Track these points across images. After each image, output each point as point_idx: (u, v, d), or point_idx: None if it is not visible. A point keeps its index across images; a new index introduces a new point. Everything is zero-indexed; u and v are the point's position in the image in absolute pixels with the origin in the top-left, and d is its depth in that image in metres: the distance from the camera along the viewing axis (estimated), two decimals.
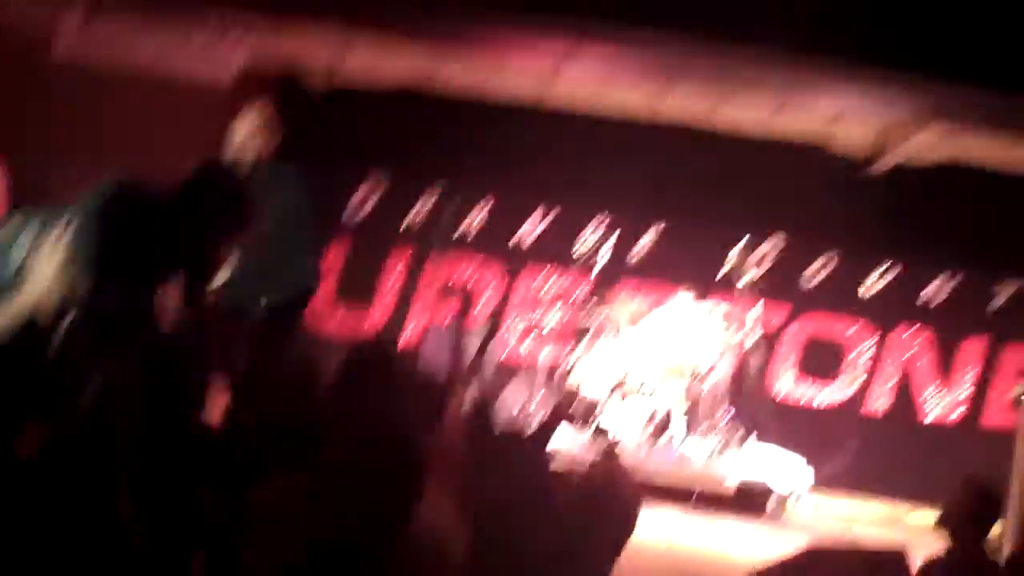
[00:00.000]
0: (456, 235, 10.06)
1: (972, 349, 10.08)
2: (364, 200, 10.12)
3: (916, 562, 4.50)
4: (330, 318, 10.08)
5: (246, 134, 6.00)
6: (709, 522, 7.95)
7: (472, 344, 9.31)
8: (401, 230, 10.11)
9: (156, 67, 8.19)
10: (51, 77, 8.64)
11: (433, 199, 10.10)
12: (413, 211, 10.10)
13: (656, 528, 6.93)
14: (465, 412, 4.34)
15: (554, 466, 4.74)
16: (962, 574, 4.57)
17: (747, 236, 9.56)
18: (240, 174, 4.15)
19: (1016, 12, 7.03)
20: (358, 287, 10.12)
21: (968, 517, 4.70)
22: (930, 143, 8.63)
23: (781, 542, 6.76)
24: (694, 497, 8.15)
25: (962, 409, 10.09)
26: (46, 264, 3.20)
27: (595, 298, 9.30)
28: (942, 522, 4.71)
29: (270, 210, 6.32)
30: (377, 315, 10.16)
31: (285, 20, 8.32)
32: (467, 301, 10.17)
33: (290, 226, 6.15)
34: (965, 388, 10.09)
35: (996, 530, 4.97)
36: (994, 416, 9.95)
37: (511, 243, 10.12)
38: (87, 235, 3.28)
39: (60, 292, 3.12)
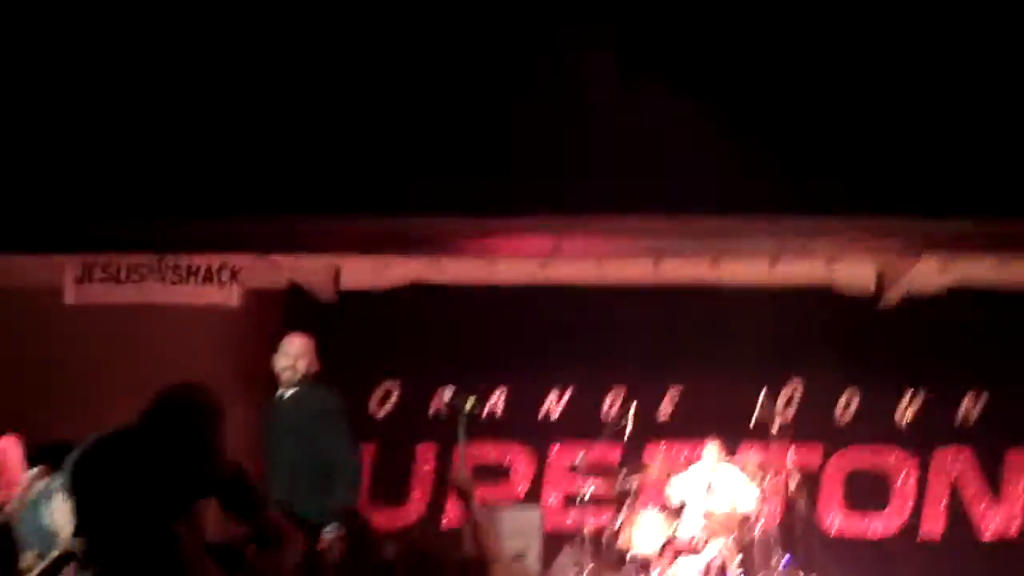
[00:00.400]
0: (478, 424, 10.07)
1: (1019, 459, 9.93)
2: (383, 401, 10.19)
3: None
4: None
5: (292, 356, 6.46)
6: None
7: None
8: (423, 427, 10.13)
9: (161, 301, 8.40)
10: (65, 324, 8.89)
11: (450, 392, 10.15)
12: (432, 406, 10.15)
13: None
14: None
15: None
16: None
17: (768, 384, 9.60)
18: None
19: (990, 144, 7.18)
20: (389, 488, 10.11)
21: None
22: (931, 272, 8.68)
23: None
24: None
25: (1017, 524, 9.87)
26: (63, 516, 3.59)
27: (627, 467, 9.26)
28: None
29: (313, 422, 6.70)
30: (413, 513, 10.12)
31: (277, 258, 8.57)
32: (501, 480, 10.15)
33: (332, 436, 6.48)
34: (1018, 501, 9.90)
35: None
36: None
37: (534, 425, 10.12)
38: (71, 494, 3.77)
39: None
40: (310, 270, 9.26)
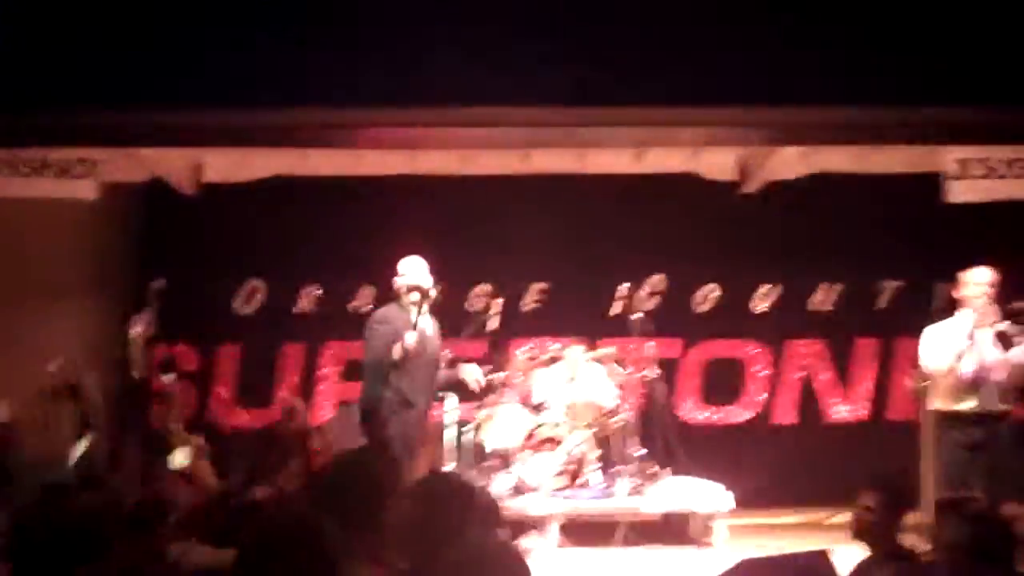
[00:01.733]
0: (345, 321, 10.08)
1: (865, 349, 10.34)
2: (249, 300, 10.09)
3: (840, 562, 4.60)
4: (234, 418, 10.03)
5: None
6: (638, 554, 8.00)
7: None
8: (289, 326, 10.09)
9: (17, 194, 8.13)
10: None
11: (317, 288, 10.12)
12: (299, 303, 10.09)
13: (588, 568, 6.98)
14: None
15: None
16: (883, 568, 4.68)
17: (630, 276, 9.79)
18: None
19: (848, 34, 7.35)
20: (254, 388, 10.06)
21: (878, 513, 4.83)
22: (792, 160, 8.89)
23: (711, 564, 6.82)
24: (620, 532, 8.19)
25: (865, 408, 10.32)
26: None
27: (490, 362, 9.36)
28: (857, 522, 4.85)
29: None
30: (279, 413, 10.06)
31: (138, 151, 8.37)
32: None
33: None
34: (865, 387, 10.33)
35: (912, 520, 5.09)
36: (897, 409, 10.22)
37: None
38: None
39: None
40: (172, 163, 9.04)
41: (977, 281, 7.10)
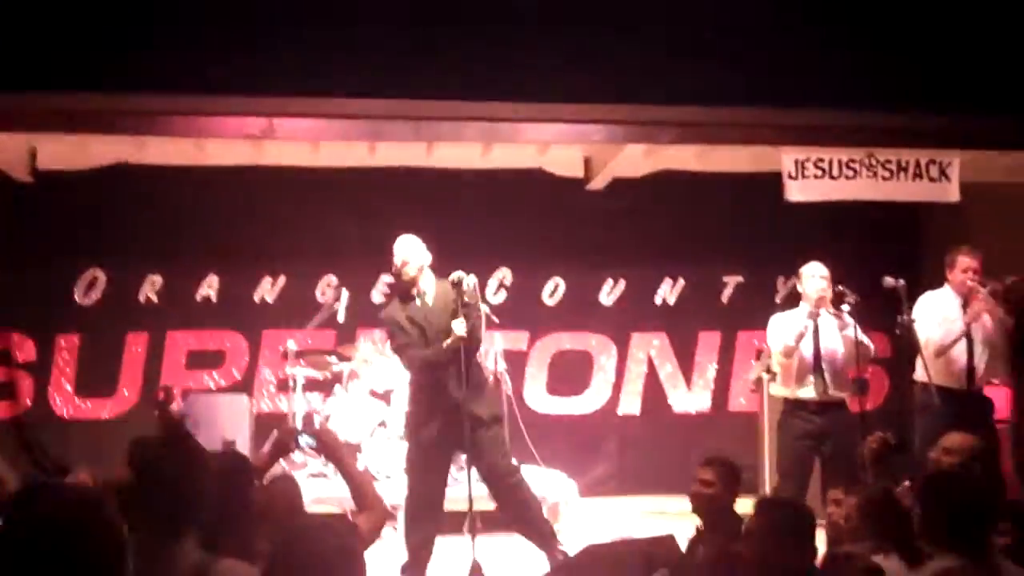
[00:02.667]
0: (191, 310, 9.92)
1: (708, 342, 10.57)
2: (89, 289, 9.83)
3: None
4: (75, 408, 9.79)
5: None
6: (485, 542, 8.04)
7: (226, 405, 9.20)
8: (132, 315, 9.86)
9: None
10: None
11: (160, 276, 9.91)
12: (142, 291, 9.87)
13: (440, 554, 7.02)
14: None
15: None
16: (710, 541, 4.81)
17: (478, 269, 9.75)
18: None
19: (685, 34, 7.49)
20: (97, 378, 9.83)
21: (716, 487, 4.97)
22: (636, 157, 9.02)
23: None
24: (466, 521, 8.22)
25: (707, 399, 10.55)
26: None
27: (338, 353, 9.31)
28: (695, 496, 4.98)
29: None
30: (124, 403, 9.90)
31: None
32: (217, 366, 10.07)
33: None
34: (707, 379, 10.56)
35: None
36: (738, 401, 10.48)
37: (247, 311, 10.04)
38: None
39: None
40: (4, 149, 8.73)
41: (811, 274, 7.36)
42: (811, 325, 7.27)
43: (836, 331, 7.30)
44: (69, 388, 9.84)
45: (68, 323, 9.83)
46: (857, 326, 7.16)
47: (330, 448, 4.42)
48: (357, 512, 4.18)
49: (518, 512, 7.05)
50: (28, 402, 9.78)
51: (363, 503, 4.16)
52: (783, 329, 7.38)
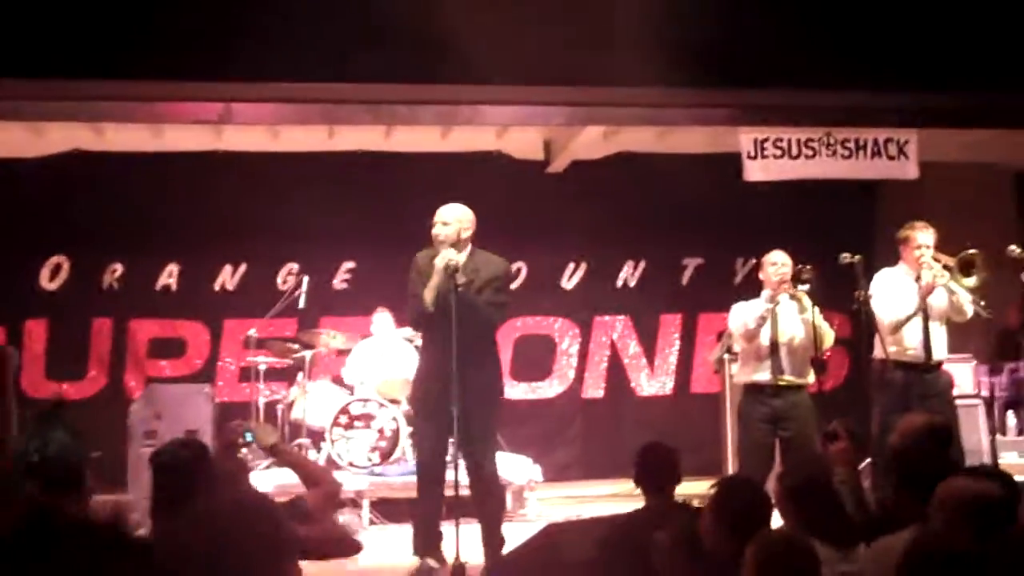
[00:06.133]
0: (153, 300, 9.88)
1: (669, 325, 10.61)
2: (54, 276, 9.77)
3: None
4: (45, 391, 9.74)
5: None
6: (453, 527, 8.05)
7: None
8: (96, 301, 9.81)
9: None
10: None
11: (120, 264, 9.86)
12: (104, 278, 9.82)
13: (400, 543, 7.00)
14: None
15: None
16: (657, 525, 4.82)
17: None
18: None
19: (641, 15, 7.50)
20: (66, 362, 9.81)
21: (652, 475, 4.98)
22: (596, 140, 9.03)
23: (522, 534, 6.89)
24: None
25: (671, 381, 10.60)
26: None
27: (300, 340, 9.29)
28: (636, 483, 4.99)
29: None
30: (94, 385, 9.89)
31: None
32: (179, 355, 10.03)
33: None
34: (670, 362, 10.61)
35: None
36: (700, 383, 10.53)
37: (209, 299, 10.01)
38: None
39: None
40: None
41: (772, 261, 7.39)
42: (770, 305, 7.31)
43: (796, 315, 7.34)
44: (38, 372, 9.79)
45: (36, 309, 9.79)
46: (816, 310, 7.20)
47: (264, 441, 4.54)
48: (306, 490, 4.30)
49: (483, 510, 6.84)
50: None
51: (309, 481, 4.35)
52: (744, 315, 7.41)
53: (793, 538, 3.63)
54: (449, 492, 6.39)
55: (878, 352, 7.53)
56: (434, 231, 6.73)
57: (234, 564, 2.77)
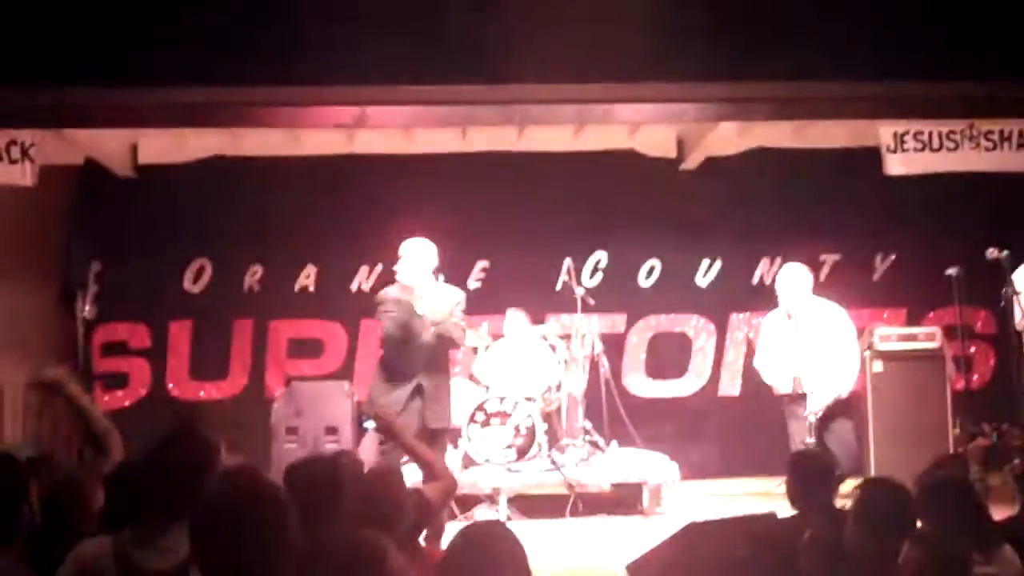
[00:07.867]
0: (292, 300, 10.09)
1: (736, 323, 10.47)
2: (197, 278, 10.06)
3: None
4: (191, 391, 10.04)
5: None
6: (588, 525, 8.08)
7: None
8: (238, 303, 10.09)
9: None
10: None
11: (261, 265, 10.10)
12: (245, 280, 10.07)
13: (539, 540, 7.01)
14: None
15: None
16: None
17: (573, 252, 9.84)
18: None
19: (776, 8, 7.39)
20: (210, 362, 10.09)
21: (804, 483, 4.90)
22: (730, 135, 8.93)
23: (660, 532, 6.85)
24: (570, 504, 8.27)
25: None
26: None
27: None
28: (787, 491, 4.92)
29: None
30: (235, 385, 10.17)
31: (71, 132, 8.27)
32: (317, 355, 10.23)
33: None
34: None
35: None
36: None
37: (346, 301, 10.17)
38: None
39: None
40: (106, 145, 8.94)
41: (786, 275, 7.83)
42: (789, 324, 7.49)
43: (814, 328, 7.43)
44: (184, 372, 10.10)
45: (180, 311, 10.09)
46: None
47: (386, 428, 4.60)
48: (424, 483, 4.37)
49: None
50: (143, 390, 10.06)
51: (429, 475, 4.46)
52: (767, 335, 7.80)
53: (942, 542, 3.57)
54: None
55: None
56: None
57: None
